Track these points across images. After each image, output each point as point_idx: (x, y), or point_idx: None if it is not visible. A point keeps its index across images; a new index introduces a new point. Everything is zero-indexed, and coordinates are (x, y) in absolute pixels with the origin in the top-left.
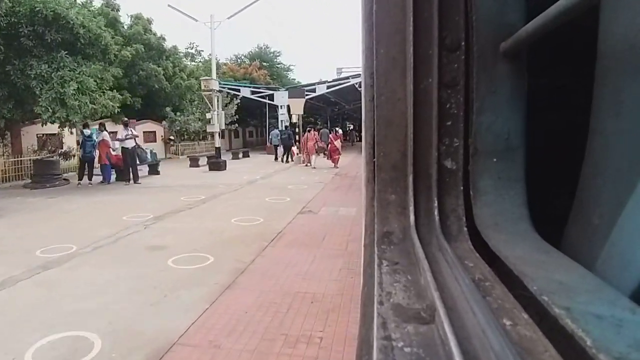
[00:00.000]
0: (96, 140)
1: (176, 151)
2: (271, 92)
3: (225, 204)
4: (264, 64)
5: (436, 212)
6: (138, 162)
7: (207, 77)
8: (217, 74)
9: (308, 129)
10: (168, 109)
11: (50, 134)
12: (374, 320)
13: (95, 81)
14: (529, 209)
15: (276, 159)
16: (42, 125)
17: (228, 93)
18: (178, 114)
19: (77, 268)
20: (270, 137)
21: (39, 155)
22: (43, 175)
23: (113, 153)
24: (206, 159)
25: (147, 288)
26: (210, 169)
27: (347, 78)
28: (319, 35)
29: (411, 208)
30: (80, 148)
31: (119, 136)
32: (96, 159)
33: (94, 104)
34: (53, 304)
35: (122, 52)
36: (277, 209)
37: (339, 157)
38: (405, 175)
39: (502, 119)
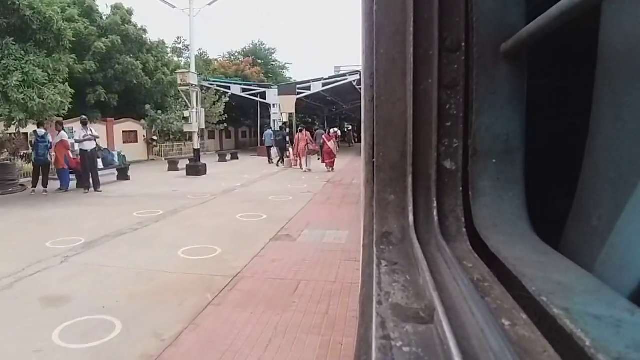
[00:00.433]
0: (51, 141)
1: (159, 152)
2: (263, 89)
3: (182, 224)
4: (259, 61)
5: (435, 213)
6: (102, 167)
7: (184, 70)
8: (208, 70)
9: (300, 128)
10: (148, 106)
11: (13, 133)
12: (373, 319)
13: (46, 72)
14: (528, 210)
15: (270, 161)
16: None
17: (217, 90)
18: (160, 112)
19: None
20: (263, 137)
21: None
22: None
23: (72, 156)
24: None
25: None
26: (188, 174)
27: (344, 75)
28: (316, 33)
29: (410, 208)
30: (33, 150)
31: (76, 137)
32: (53, 163)
33: (42, 99)
34: None
35: (96, 44)
36: (245, 232)
37: (334, 160)
38: (405, 175)
39: (501, 120)
